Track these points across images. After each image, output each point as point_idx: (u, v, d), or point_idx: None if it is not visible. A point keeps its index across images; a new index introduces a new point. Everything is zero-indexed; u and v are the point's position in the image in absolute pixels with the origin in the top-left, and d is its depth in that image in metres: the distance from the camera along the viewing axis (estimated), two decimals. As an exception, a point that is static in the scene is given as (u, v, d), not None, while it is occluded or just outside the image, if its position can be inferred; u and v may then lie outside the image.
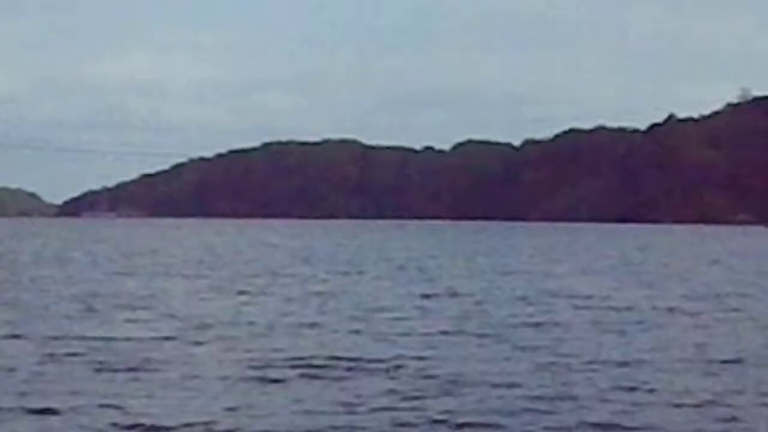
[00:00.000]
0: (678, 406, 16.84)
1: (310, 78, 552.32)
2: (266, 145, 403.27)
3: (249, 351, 22.28)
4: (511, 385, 18.40)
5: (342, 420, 15.50)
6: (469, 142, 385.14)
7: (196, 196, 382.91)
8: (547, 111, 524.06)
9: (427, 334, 25.71)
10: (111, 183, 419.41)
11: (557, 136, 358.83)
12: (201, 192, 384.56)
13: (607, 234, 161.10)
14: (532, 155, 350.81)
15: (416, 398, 17.25)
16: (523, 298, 36.78)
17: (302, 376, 19.25)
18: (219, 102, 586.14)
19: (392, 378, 19.23)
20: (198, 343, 23.71)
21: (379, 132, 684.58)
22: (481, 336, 25.56)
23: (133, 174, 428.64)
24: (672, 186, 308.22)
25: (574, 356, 22.01)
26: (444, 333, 26.10)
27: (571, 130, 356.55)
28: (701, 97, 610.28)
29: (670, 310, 32.77)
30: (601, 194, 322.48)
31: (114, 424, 15.06)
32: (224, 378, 18.86)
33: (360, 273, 51.77)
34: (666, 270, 57.72)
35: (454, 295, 38.51)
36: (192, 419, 15.31)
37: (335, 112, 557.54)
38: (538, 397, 17.24)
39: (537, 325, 28.17)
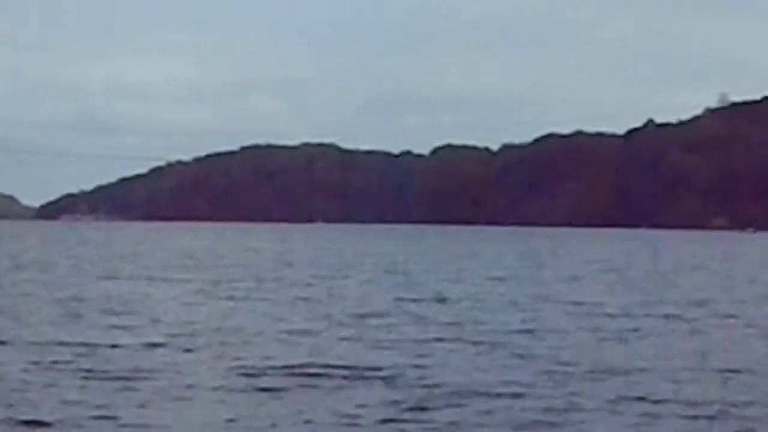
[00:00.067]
0: (692, 417, 16.31)
1: (289, 82, 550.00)
2: (245, 148, 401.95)
3: (241, 359, 21.65)
4: (516, 395, 17.85)
5: (346, 433, 14.95)
6: (448, 146, 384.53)
7: (175, 200, 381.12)
8: (525, 116, 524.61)
9: (421, 341, 25.13)
10: (89, 186, 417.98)
11: (535, 140, 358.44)
12: (180, 195, 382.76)
13: (587, 239, 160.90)
14: (510, 160, 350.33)
15: (420, 409, 16.68)
16: (513, 304, 36.25)
17: (299, 385, 18.62)
18: (198, 106, 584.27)
19: (392, 387, 18.66)
20: (188, 350, 23.09)
21: (358, 136, 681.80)
22: (477, 343, 24.97)
23: (111, 177, 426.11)
24: (650, 191, 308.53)
25: (575, 364, 21.46)
26: (439, 340, 25.50)
27: (550, 135, 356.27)
28: (680, 102, 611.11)
29: (666, 316, 32.26)
30: (579, 199, 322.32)
31: (109, 437, 14.47)
32: (219, 388, 18.23)
33: (345, 277, 51.15)
34: (653, 275, 57.33)
35: (442, 300, 37.92)
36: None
37: (314, 117, 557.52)
38: (547, 409, 16.68)
39: (532, 331, 27.64)
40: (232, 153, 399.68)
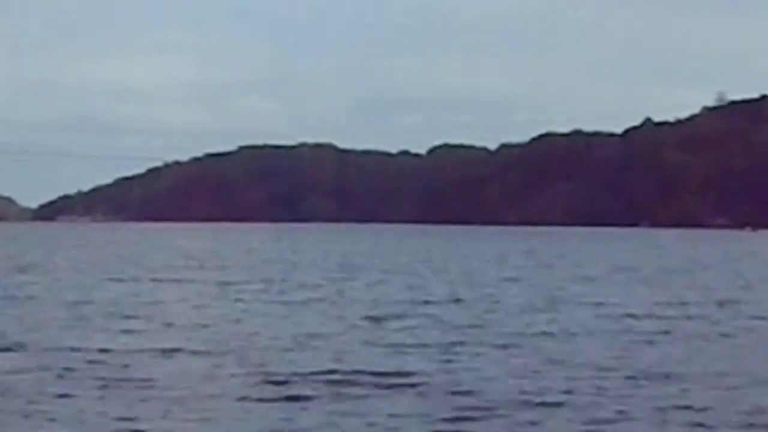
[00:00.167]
0: (747, 426, 15.45)
1: (286, 82, 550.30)
2: (242, 149, 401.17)
3: (261, 365, 20.73)
4: (558, 405, 16.95)
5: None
6: (445, 146, 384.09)
7: (172, 200, 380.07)
8: (523, 115, 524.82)
9: (445, 345, 24.20)
10: (86, 187, 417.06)
11: (533, 140, 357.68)
12: (176, 196, 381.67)
13: (587, 238, 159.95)
14: (507, 159, 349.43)
15: (458, 420, 15.85)
16: (531, 306, 35.32)
17: (328, 393, 17.70)
18: (195, 106, 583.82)
19: (424, 396, 17.77)
20: (205, 356, 22.19)
21: (355, 136, 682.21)
22: (502, 347, 24.07)
23: (108, 178, 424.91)
24: (649, 190, 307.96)
25: (610, 369, 20.59)
26: (462, 344, 24.57)
27: (547, 134, 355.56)
28: (678, 100, 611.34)
29: (691, 317, 31.42)
30: (577, 198, 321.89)
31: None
32: (244, 397, 17.30)
33: (354, 278, 50.15)
34: (665, 275, 56.40)
35: (457, 301, 37.06)
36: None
37: (311, 116, 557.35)
38: (596, 420, 15.79)
39: (557, 334, 26.73)
40: (229, 153, 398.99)
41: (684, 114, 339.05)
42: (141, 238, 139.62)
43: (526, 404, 16.97)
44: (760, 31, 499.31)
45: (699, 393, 18.14)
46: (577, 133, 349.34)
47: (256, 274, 52.58)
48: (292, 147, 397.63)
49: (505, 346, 24.19)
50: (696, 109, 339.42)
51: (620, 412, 16.39)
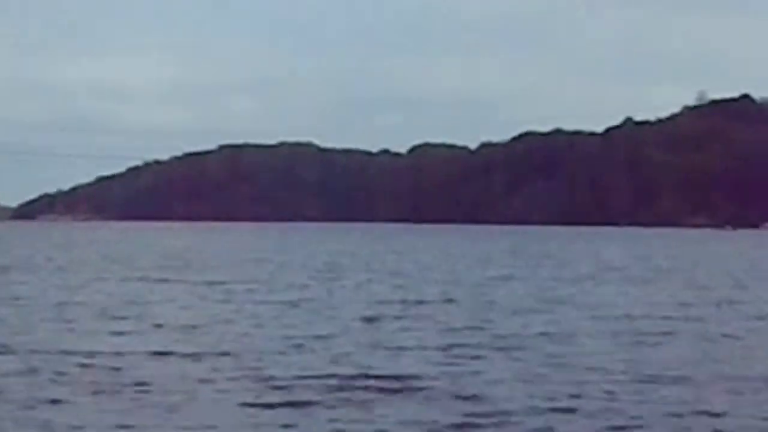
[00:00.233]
0: (769, 434, 14.93)
1: (267, 81, 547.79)
2: (222, 147, 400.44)
3: (258, 368, 20.09)
4: (569, 410, 16.37)
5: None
6: (426, 144, 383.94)
7: (152, 199, 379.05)
8: (503, 114, 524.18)
9: (444, 348, 23.60)
10: (67, 186, 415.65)
11: (513, 138, 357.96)
12: (157, 195, 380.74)
13: (570, 237, 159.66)
14: (488, 158, 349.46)
15: (469, 426, 15.33)
16: (525, 306, 34.76)
17: (330, 399, 17.05)
18: (176, 105, 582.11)
19: (430, 401, 17.15)
20: (198, 358, 21.52)
21: (336, 135, 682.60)
22: (501, 349, 23.48)
23: (89, 177, 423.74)
24: (628, 189, 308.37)
25: (620, 372, 20.05)
26: (461, 346, 23.96)
27: (528, 133, 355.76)
28: (658, 100, 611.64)
29: (691, 318, 30.88)
30: (557, 197, 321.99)
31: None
32: (245, 403, 16.61)
33: (342, 278, 49.51)
34: (655, 274, 55.93)
35: (449, 301, 36.48)
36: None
37: (291, 115, 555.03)
38: (613, 427, 15.24)
39: (556, 336, 26.13)
40: (209, 152, 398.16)
41: (665, 113, 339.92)
42: (123, 237, 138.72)
43: (537, 410, 16.40)
44: (740, 30, 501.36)
45: (714, 397, 17.62)
46: (557, 133, 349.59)
47: (242, 274, 51.90)
48: (273, 146, 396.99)
49: (504, 349, 23.63)
50: (677, 109, 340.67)
51: (635, 417, 15.86)
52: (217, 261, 68.41)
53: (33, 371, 19.59)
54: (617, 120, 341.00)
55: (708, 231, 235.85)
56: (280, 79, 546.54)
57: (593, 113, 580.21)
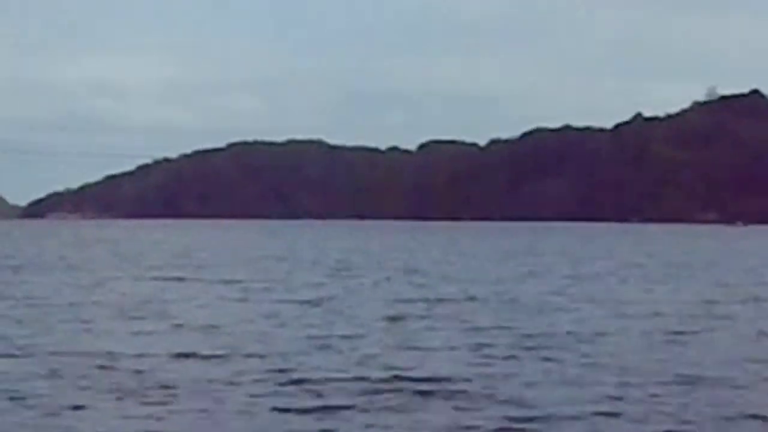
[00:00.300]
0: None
1: (273, 79, 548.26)
2: (231, 145, 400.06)
3: (287, 371, 19.39)
4: (614, 415, 15.74)
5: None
6: (435, 142, 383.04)
7: (161, 197, 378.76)
8: (512, 110, 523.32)
9: (473, 347, 22.99)
10: (75, 184, 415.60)
11: (523, 135, 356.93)
12: (166, 193, 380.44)
13: (581, 233, 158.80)
14: (497, 155, 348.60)
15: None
16: (548, 304, 34.05)
17: (366, 403, 16.36)
18: (184, 103, 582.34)
19: (466, 404, 16.54)
20: (222, 360, 20.86)
21: (344, 132, 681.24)
22: (532, 349, 22.79)
23: (97, 175, 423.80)
24: (639, 185, 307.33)
25: (658, 373, 19.38)
26: (489, 346, 23.29)
27: (537, 130, 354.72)
28: (668, 95, 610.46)
29: (720, 316, 30.16)
30: (567, 194, 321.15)
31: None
32: (277, 408, 15.95)
33: (358, 276, 48.78)
34: (674, 271, 55.10)
35: (471, 299, 35.78)
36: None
37: (300, 113, 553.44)
38: (666, 432, 14.60)
39: (585, 335, 25.41)
40: (218, 150, 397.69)
41: (674, 109, 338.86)
42: (133, 235, 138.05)
43: (580, 414, 15.72)
44: (749, 26, 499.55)
45: (762, 399, 16.92)
46: (567, 129, 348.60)
47: (257, 272, 51.23)
48: (281, 143, 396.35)
49: (535, 348, 22.95)
50: (686, 104, 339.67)
51: (685, 422, 15.21)
52: (230, 259, 67.71)
53: (53, 375, 18.99)
54: (627, 116, 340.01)
55: (719, 227, 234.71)
56: (287, 77, 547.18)
57: (602, 109, 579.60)
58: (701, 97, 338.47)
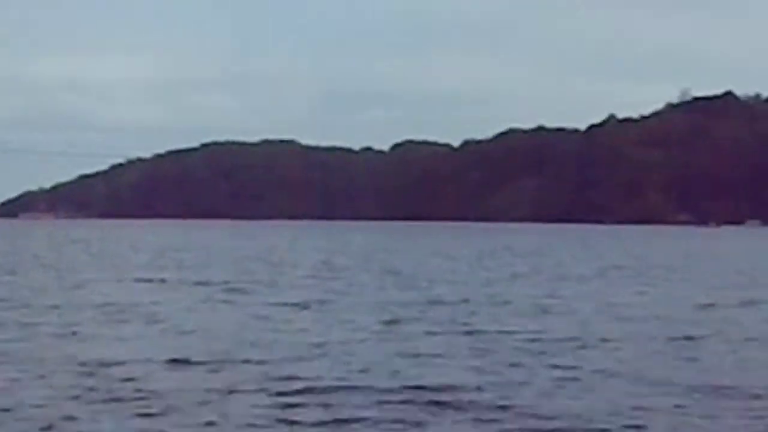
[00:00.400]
0: None
1: (249, 78, 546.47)
2: (205, 145, 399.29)
3: (288, 379, 18.38)
4: (644, 428, 14.90)
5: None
6: (408, 142, 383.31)
7: (135, 197, 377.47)
8: (486, 111, 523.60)
9: (477, 352, 22.14)
10: (49, 184, 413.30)
11: (496, 136, 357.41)
12: (139, 193, 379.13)
13: (557, 235, 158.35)
14: (471, 155, 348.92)
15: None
16: (543, 307, 33.14)
17: (380, 416, 15.36)
18: (157, 102, 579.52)
19: (485, 416, 15.61)
20: (218, 367, 19.88)
21: (318, 132, 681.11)
22: (538, 355, 21.89)
23: (71, 174, 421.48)
24: (612, 186, 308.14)
25: (675, 382, 18.50)
26: (494, 352, 22.40)
27: (511, 131, 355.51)
28: (641, 97, 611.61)
29: (722, 319, 29.38)
30: (540, 195, 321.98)
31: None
32: (288, 421, 14.99)
33: (343, 278, 47.76)
34: (662, 272, 54.41)
35: (465, 301, 34.88)
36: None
37: (273, 113, 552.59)
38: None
39: (590, 340, 24.51)
40: (192, 150, 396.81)
41: (647, 110, 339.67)
42: (109, 236, 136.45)
43: (608, 428, 14.87)
44: (723, 27, 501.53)
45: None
46: (540, 130, 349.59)
47: (241, 273, 50.14)
48: (255, 144, 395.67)
49: (541, 354, 22.09)
50: (659, 106, 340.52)
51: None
52: (212, 260, 66.59)
53: (41, 384, 17.98)
54: (600, 117, 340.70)
55: (692, 228, 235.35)
56: (262, 77, 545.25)
57: (576, 111, 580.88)
58: (674, 98, 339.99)
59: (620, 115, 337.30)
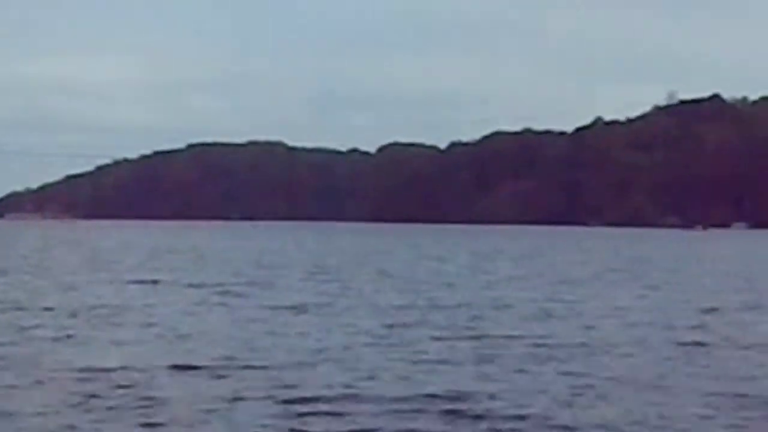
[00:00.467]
0: None
1: (235, 79, 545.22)
2: (191, 146, 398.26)
3: (294, 387, 17.75)
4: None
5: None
6: (395, 144, 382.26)
7: (121, 198, 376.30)
8: (473, 113, 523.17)
9: (484, 358, 21.54)
10: (35, 184, 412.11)
11: (483, 138, 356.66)
12: (126, 194, 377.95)
13: (545, 237, 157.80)
14: (458, 157, 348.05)
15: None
16: (545, 311, 32.57)
17: (397, 427, 14.77)
18: (144, 103, 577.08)
19: (502, 426, 15.03)
20: (220, 373, 19.23)
21: (304, 134, 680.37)
22: (548, 361, 21.34)
23: (57, 175, 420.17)
24: (599, 189, 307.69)
25: (694, 390, 17.98)
26: (500, 357, 21.83)
27: (497, 133, 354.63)
28: (628, 99, 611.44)
29: (727, 324, 28.82)
30: (527, 197, 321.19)
31: None
32: (295, 429, 14.43)
33: (338, 281, 47.02)
34: (660, 275, 53.87)
35: (465, 305, 34.25)
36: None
37: (260, 114, 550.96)
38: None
39: (599, 346, 23.94)
40: (178, 151, 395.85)
41: (635, 113, 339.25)
42: (97, 236, 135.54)
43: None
44: (710, 29, 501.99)
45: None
46: (527, 132, 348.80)
47: (234, 275, 49.44)
48: (242, 145, 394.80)
49: (551, 360, 21.54)
50: (647, 108, 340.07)
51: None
52: (203, 261, 65.85)
53: (38, 390, 17.33)
54: (587, 120, 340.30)
55: (679, 231, 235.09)
56: (249, 78, 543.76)
57: (563, 113, 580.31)
58: (662, 101, 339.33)
59: (607, 118, 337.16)
